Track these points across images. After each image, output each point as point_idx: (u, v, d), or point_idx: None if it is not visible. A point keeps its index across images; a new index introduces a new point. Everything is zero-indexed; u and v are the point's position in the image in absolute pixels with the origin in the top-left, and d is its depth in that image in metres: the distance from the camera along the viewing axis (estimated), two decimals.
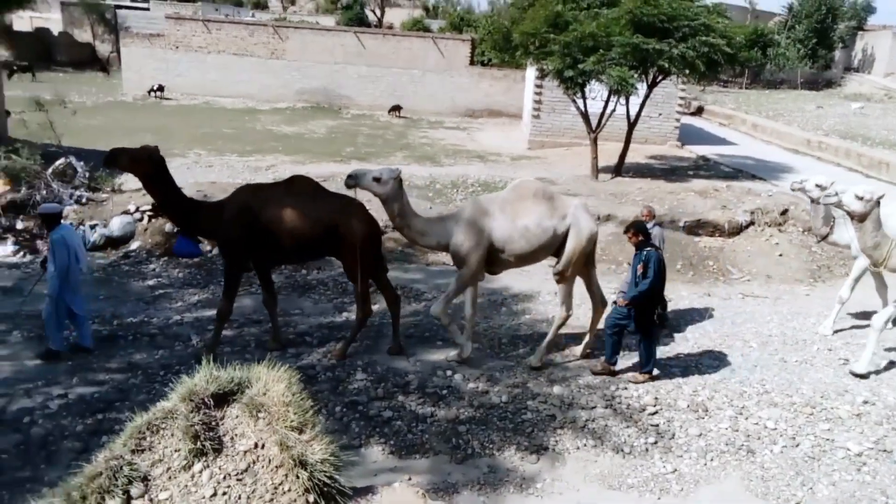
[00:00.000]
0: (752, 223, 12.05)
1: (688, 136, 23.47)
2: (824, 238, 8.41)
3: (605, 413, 6.35)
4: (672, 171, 18.12)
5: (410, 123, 27.66)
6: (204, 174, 15.36)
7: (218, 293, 9.52)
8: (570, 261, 7.07)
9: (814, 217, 8.45)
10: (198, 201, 8.13)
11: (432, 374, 7.04)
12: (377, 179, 6.61)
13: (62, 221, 7.61)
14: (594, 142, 16.95)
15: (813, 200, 7.99)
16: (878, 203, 6.80)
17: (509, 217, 6.95)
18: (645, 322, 6.88)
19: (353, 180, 6.68)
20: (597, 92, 16.79)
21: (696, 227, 11.94)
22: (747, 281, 10.71)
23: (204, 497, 2.70)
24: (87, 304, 7.91)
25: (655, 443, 5.94)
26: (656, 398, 6.62)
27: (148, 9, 45.40)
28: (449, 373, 7.07)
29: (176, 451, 2.83)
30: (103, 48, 43.76)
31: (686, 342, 8.16)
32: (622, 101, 16.58)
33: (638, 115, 17.33)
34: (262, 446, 2.86)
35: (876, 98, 35.57)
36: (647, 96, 17.10)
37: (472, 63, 31.17)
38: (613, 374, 7.12)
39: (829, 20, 45.71)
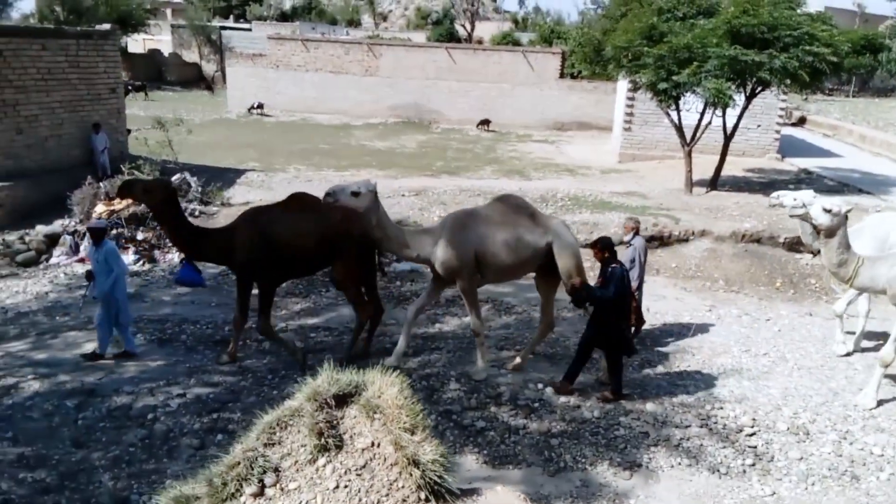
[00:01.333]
0: None
1: (788, 148, 22.59)
2: (818, 253, 7.93)
3: (700, 432, 6.30)
4: (771, 185, 17.48)
5: (499, 137, 27.92)
6: (303, 188, 16.07)
7: (319, 302, 10.06)
8: (570, 276, 7.11)
9: (802, 232, 8.11)
10: (206, 229, 8.44)
11: (524, 386, 7.18)
12: (355, 194, 6.69)
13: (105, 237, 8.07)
14: (688, 155, 16.62)
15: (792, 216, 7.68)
16: (845, 217, 6.53)
17: (490, 231, 7.04)
18: (609, 340, 6.84)
19: (332, 196, 6.72)
20: (691, 104, 16.48)
21: (798, 244, 11.53)
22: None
23: (328, 489, 2.97)
24: (130, 313, 8.29)
25: (753, 465, 5.86)
26: (754, 419, 6.51)
27: (250, 29, 47.83)
28: (540, 386, 7.19)
29: (302, 446, 3.12)
30: (209, 68, 46.46)
31: (785, 363, 7.95)
32: (718, 112, 16.21)
33: (735, 126, 16.87)
34: (378, 445, 3.11)
35: None
36: (745, 108, 16.64)
37: (561, 76, 31.14)
38: (571, 392, 7.09)
39: None
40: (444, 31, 53.21)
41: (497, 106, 30.67)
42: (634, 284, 7.84)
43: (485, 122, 29.62)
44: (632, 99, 21.25)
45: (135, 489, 5.65)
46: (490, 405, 6.78)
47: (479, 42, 52.06)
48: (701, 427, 6.38)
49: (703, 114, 16.25)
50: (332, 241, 7.30)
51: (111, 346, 8.03)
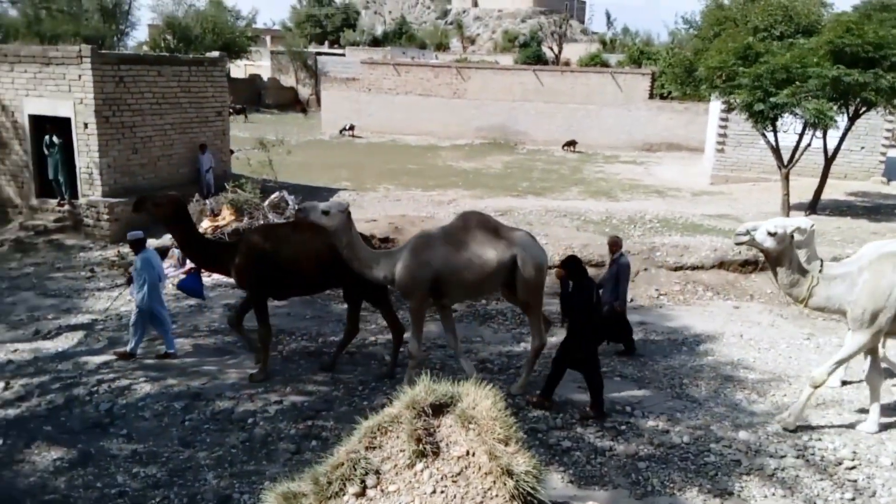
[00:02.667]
0: None
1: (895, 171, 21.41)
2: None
3: (795, 463, 6.10)
4: (876, 210, 16.67)
5: (585, 158, 27.76)
6: (393, 207, 16.57)
7: (406, 318, 10.31)
8: (525, 290, 7.10)
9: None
10: (212, 241, 8.86)
11: (611, 408, 7.15)
12: (325, 213, 6.77)
13: (146, 246, 8.64)
14: (786, 177, 16.06)
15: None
16: (792, 237, 6.31)
17: (453, 248, 6.98)
18: (579, 358, 6.91)
19: (303, 213, 6.87)
20: (789, 125, 15.95)
21: None
22: None
23: (425, 493, 3.13)
24: (168, 316, 8.88)
25: (853, 499, 5.62)
26: (854, 452, 6.24)
27: (344, 55, 49.67)
28: (628, 408, 7.15)
29: (401, 450, 3.29)
30: (304, 91, 48.50)
31: (891, 395, 7.55)
32: (818, 134, 15.62)
33: (837, 148, 16.21)
34: (473, 454, 3.24)
35: None
36: (847, 129, 15.97)
37: (651, 96, 30.71)
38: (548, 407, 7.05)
39: None
40: (532, 54, 53.44)
41: (584, 127, 30.56)
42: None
43: (571, 143, 29.55)
44: (725, 119, 20.75)
45: (237, 488, 5.99)
46: (576, 426, 6.80)
47: (567, 64, 52.01)
48: (797, 458, 6.17)
49: (801, 135, 15.70)
50: (340, 261, 7.30)
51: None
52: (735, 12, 17.77)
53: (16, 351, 8.71)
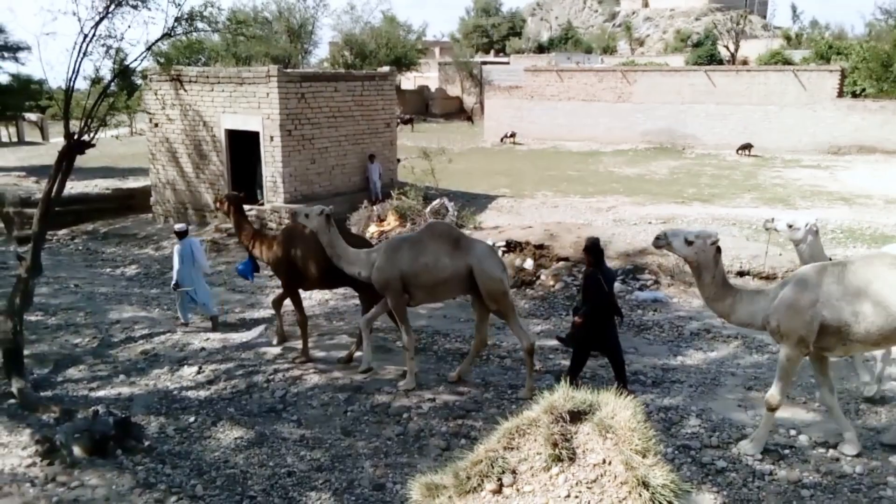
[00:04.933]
0: None
1: None
2: None
3: None
4: None
5: (761, 162, 25.97)
6: (550, 214, 16.59)
7: (559, 325, 10.35)
8: (489, 299, 7.70)
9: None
10: (262, 232, 10.15)
11: (773, 431, 6.72)
12: (307, 216, 8.03)
13: (188, 236, 10.53)
14: None
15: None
16: (717, 249, 6.08)
17: (415, 254, 7.72)
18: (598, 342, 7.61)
19: (295, 216, 8.23)
20: None
21: None
22: None
23: (559, 496, 3.21)
24: (206, 293, 10.51)
25: None
26: None
27: (508, 63, 50.27)
28: (793, 432, 6.69)
29: (538, 453, 3.40)
30: (469, 100, 49.73)
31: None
32: None
33: None
34: (609, 463, 3.27)
35: None
36: None
37: (840, 94, 28.08)
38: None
39: None
40: (705, 53, 50.80)
41: (760, 129, 28.60)
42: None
43: (746, 147, 27.77)
44: None
45: (390, 478, 6.38)
46: (733, 445, 6.47)
47: (744, 62, 48.89)
48: None
49: None
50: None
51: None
52: None
53: (208, 340, 9.84)
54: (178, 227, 10.70)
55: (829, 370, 6.38)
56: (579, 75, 33.32)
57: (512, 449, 3.54)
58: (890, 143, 25.81)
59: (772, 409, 6.21)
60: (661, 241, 6.25)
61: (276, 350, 9.33)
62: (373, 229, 13.77)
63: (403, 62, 44.57)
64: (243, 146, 16.13)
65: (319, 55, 47.49)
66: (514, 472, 3.42)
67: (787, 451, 6.34)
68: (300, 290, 9.29)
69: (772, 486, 5.85)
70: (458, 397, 7.86)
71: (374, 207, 14.65)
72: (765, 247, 9.90)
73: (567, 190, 20.49)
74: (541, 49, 66.65)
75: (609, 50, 67.29)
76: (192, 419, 7.48)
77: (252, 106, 15.51)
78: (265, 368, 8.73)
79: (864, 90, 27.31)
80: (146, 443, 6.93)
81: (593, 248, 7.62)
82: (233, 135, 16.22)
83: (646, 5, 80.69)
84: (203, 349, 9.47)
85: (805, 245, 7.08)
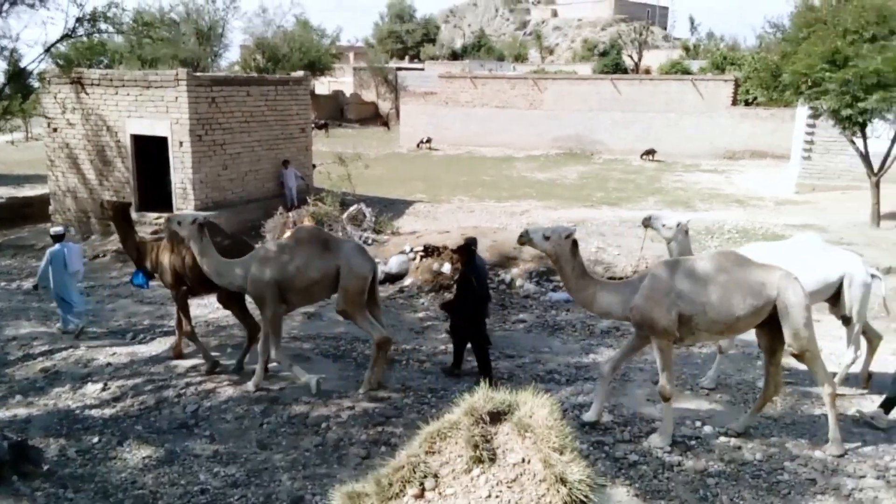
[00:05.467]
0: None
1: None
2: None
3: (875, 484, 5.86)
4: None
5: (664, 167, 27.21)
6: (466, 218, 16.79)
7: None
8: (343, 298, 7.88)
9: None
10: (145, 242, 9.57)
11: (680, 423, 7.05)
12: (179, 223, 7.94)
13: (64, 240, 10.31)
14: (876, 185, 15.31)
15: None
16: (574, 243, 6.58)
17: (286, 260, 7.81)
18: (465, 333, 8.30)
19: (169, 224, 8.15)
20: (881, 130, 15.21)
21: None
22: None
23: (481, 497, 3.26)
24: (79, 298, 10.39)
25: None
26: None
27: (423, 69, 50.53)
28: (698, 423, 7.04)
29: (459, 456, 3.44)
30: (384, 106, 49.62)
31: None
32: None
33: None
34: (529, 461, 3.35)
35: None
36: None
37: (734, 103, 29.83)
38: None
39: None
40: (611, 63, 52.76)
41: (662, 136, 29.97)
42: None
43: (649, 153, 29.02)
44: (812, 126, 19.96)
45: (309, 490, 6.27)
46: (643, 439, 6.75)
47: (647, 71, 51.10)
48: (878, 479, 5.92)
49: (894, 141, 14.94)
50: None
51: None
52: (825, 14, 17.12)
53: (114, 354, 9.38)
54: (55, 230, 10.46)
55: (632, 356, 7.11)
56: (492, 82, 33.91)
57: (433, 453, 3.57)
58: (780, 149, 27.57)
59: (667, 399, 6.59)
60: (524, 238, 6.74)
61: (188, 363, 9.00)
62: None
63: (317, 67, 44.01)
64: (151, 152, 15.51)
65: (230, 58, 46.30)
66: (435, 475, 3.44)
67: (693, 442, 6.66)
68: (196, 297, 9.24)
69: (680, 476, 6.13)
70: (378, 404, 7.83)
71: (290, 214, 14.40)
72: (641, 243, 10.68)
73: (482, 195, 20.79)
74: (455, 56, 67.44)
75: (520, 58, 68.78)
76: (95, 439, 7.11)
77: (160, 110, 14.93)
78: (176, 383, 8.41)
79: (755, 99, 29.03)
80: (45, 467, 6.54)
81: (465, 249, 8.41)
82: (139, 140, 15.56)
83: (555, 15, 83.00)
84: (109, 364, 9.03)
85: (675, 243, 7.65)
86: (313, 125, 36.60)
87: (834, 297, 7.64)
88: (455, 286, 8.65)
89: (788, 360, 7.83)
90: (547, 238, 6.58)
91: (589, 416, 6.99)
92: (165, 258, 8.87)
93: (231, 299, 8.89)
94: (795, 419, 7.16)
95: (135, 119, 15.34)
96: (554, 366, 8.83)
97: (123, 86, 15.32)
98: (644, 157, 29.02)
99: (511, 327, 10.39)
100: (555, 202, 19.55)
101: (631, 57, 57.40)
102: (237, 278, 7.98)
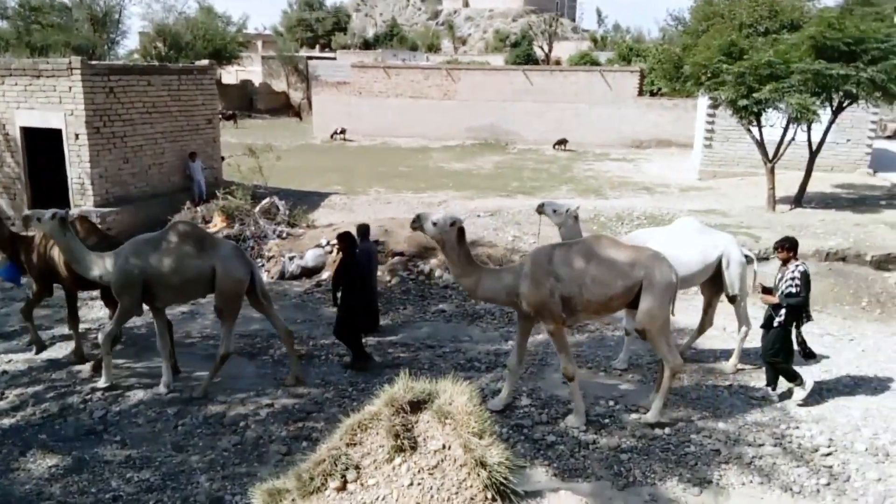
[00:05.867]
0: None
1: (882, 162, 21.65)
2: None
3: (773, 451, 6.27)
4: (861, 202, 16.87)
5: (576, 156, 27.95)
6: (383, 210, 16.71)
7: (397, 320, 10.48)
8: (219, 299, 7.78)
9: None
10: (21, 235, 9.31)
11: (595, 402, 7.31)
12: (39, 220, 7.69)
13: None
14: (771, 171, 16.26)
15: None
16: (460, 230, 6.79)
17: (158, 255, 7.67)
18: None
19: (26, 220, 7.89)
20: (774, 119, 16.16)
21: (886, 262, 11.15)
22: None
23: (403, 485, 3.28)
24: None
25: (828, 484, 5.79)
26: (831, 439, 6.41)
27: (335, 58, 49.77)
28: (612, 403, 7.31)
29: (380, 446, 3.46)
30: (296, 96, 48.61)
31: (867, 383, 7.74)
32: (803, 128, 15.82)
33: (821, 141, 16.40)
34: (449, 447, 3.40)
35: None
36: (831, 122, 16.17)
37: (640, 94, 30.94)
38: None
39: None
40: (522, 53, 53.64)
41: (574, 126, 30.76)
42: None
43: (561, 142, 29.73)
44: (712, 115, 20.96)
45: (228, 490, 6.13)
46: (560, 420, 6.95)
47: (558, 62, 52.26)
48: (775, 446, 6.34)
49: (786, 129, 15.90)
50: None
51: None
52: (723, 8, 17.98)
53: (10, 361, 8.84)
54: None
55: (526, 341, 7.29)
56: (406, 72, 33.81)
57: (355, 445, 3.57)
58: (683, 137, 28.86)
59: (571, 379, 6.85)
60: (416, 223, 6.93)
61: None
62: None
63: (223, 55, 42.63)
64: (44, 146, 14.61)
65: (129, 46, 44.19)
66: (357, 467, 3.45)
67: (607, 421, 6.93)
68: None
69: (595, 454, 6.37)
70: (298, 400, 7.72)
71: (199, 209, 13.90)
72: (537, 228, 11.15)
73: (399, 186, 20.75)
74: (367, 45, 66.76)
75: (434, 48, 68.86)
76: None
77: (52, 101, 14.06)
78: (81, 388, 8.00)
79: (660, 89, 30.21)
80: None
81: (344, 237, 8.72)
82: (31, 133, 14.62)
83: (466, 5, 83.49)
84: (5, 372, 8.50)
85: (565, 228, 8.02)
86: (221, 116, 35.52)
87: (712, 278, 8.09)
88: (335, 276, 8.80)
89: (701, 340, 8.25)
90: (434, 225, 6.77)
91: (494, 404, 7.15)
92: (34, 254, 8.59)
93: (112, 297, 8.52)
94: (700, 394, 7.55)
95: (24, 111, 14.38)
96: (474, 354, 8.95)
97: (10, 75, 14.33)
98: (557, 146, 29.71)
99: (431, 318, 10.44)
100: (472, 192, 19.74)
101: (542, 48, 58.52)
102: (105, 272, 7.74)
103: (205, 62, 18.50)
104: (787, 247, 7.18)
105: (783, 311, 7.04)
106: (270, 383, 8.16)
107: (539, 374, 8.20)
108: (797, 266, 7.05)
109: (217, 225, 13.16)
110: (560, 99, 31.20)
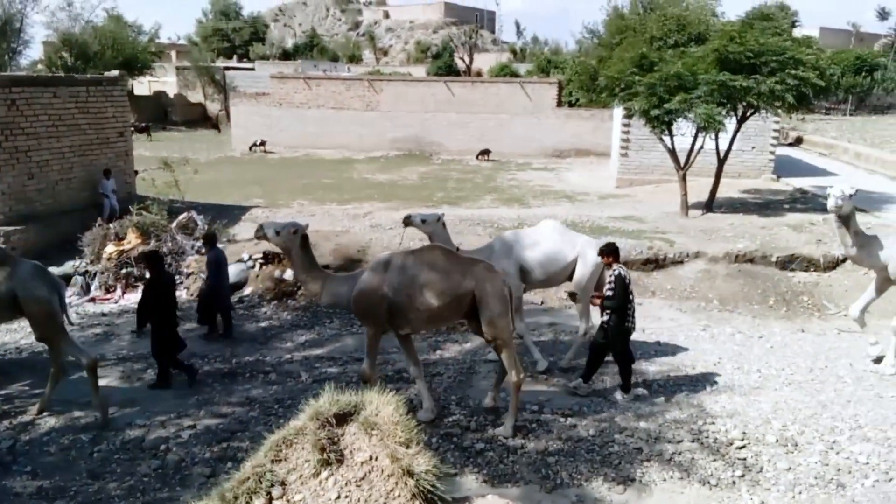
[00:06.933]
0: None
1: (784, 168, 22.93)
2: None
3: (691, 447, 6.53)
4: (766, 206, 17.82)
5: (499, 166, 28.38)
6: (307, 222, 16.44)
7: (324, 334, 10.35)
8: (32, 325, 7.54)
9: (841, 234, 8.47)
10: None
11: (522, 408, 7.42)
12: None
13: None
14: (683, 178, 16.98)
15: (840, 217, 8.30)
16: (304, 238, 7.03)
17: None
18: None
19: None
20: (685, 129, 16.89)
21: (790, 262, 11.83)
22: (844, 316, 10.50)
23: (330, 499, 3.24)
24: None
25: (742, 476, 6.07)
26: (744, 433, 6.73)
27: (254, 69, 48.86)
28: (537, 408, 7.44)
29: (306, 461, 3.41)
30: (213, 107, 47.38)
31: (776, 378, 8.17)
32: (711, 136, 16.60)
33: (728, 149, 17.25)
34: (376, 458, 3.39)
35: None
36: (736, 131, 17.03)
37: (559, 104, 31.73)
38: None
39: None
40: (444, 65, 54.21)
41: (496, 136, 31.22)
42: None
43: (484, 153, 30.13)
44: (627, 125, 21.70)
45: None
46: (489, 427, 7.02)
47: (478, 74, 53.02)
48: (693, 442, 6.61)
49: (695, 138, 16.65)
50: None
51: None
52: (634, 22, 18.68)
53: None
54: None
55: (413, 349, 7.41)
56: (327, 83, 33.52)
57: (280, 461, 3.50)
58: (601, 147, 29.75)
59: (365, 381, 7.01)
60: (259, 233, 7.10)
61: None
62: (111, 249, 12.53)
63: (135, 65, 41.15)
64: None
65: (32, 56, 42.05)
66: (283, 483, 3.39)
67: (534, 426, 7.04)
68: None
69: (523, 458, 6.46)
70: (221, 420, 7.50)
71: (111, 225, 13.32)
72: (399, 239, 11.47)
73: (323, 198, 20.51)
74: (286, 56, 65.90)
75: (355, 59, 68.63)
76: None
77: None
78: None
79: (577, 100, 31.09)
80: None
81: (149, 256, 8.80)
82: None
83: (387, 16, 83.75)
84: None
85: (436, 236, 8.25)
86: (133, 128, 34.29)
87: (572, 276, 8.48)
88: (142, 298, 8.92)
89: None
90: (278, 233, 6.96)
91: (423, 415, 7.11)
92: None
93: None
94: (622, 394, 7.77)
95: None
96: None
97: None
98: (480, 157, 30.08)
99: (358, 330, 10.35)
100: (397, 203, 19.71)
101: (463, 59, 59.28)
102: None
103: (115, 73, 17.81)
104: (607, 252, 7.59)
105: (607, 312, 7.44)
106: (192, 404, 7.90)
107: (467, 383, 8.27)
108: (614, 271, 7.43)
109: (131, 242, 12.65)
110: (482, 110, 31.65)
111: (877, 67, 43.27)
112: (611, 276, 7.45)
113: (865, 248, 8.24)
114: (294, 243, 7.00)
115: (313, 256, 7.25)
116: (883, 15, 52.80)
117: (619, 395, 7.69)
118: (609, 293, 7.38)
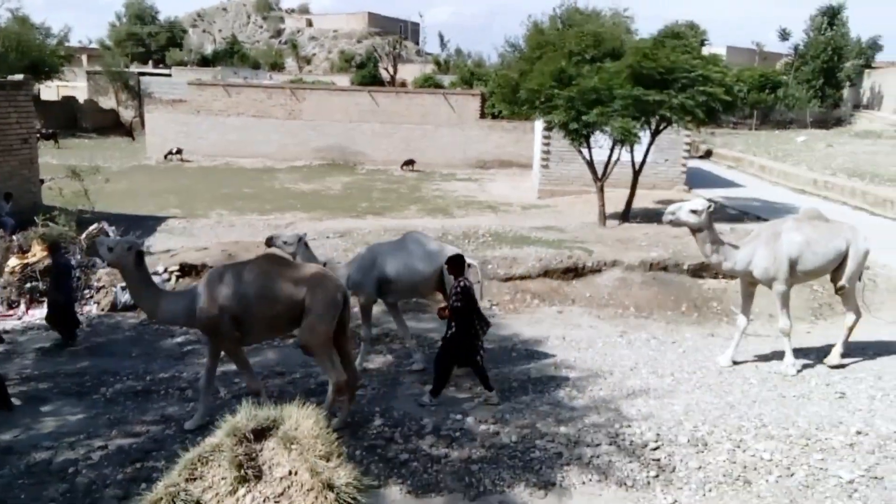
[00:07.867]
0: None
1: (695, 179, 24.03)
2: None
3: (609, 449, 6.72)
4: None
5: (423, 177, 28.52)
6: (226, 233, 16.08)
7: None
8: None
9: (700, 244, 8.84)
10: None
11: (446, 417, 7.46)
12: None
13: None
14: (601, 189, 17.54)
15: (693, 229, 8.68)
16: (138, 254, 7.06)
17: None
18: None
19: None
20: (603, 141, 17.46)
21: (700, 270, 12.37)
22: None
23: None
24: None
25: (657, 476, 6.30)
26: (658, 434, 6.99)
27: (170, 75, 47.35)
28: (460, 416, 7.50)
29: (223, 478, 3.32)
30: (127, 114, 45.62)
31: (688, 381, 8.53)
32: (627, 149, 17.22)
33: (643, 161, 17.95)
34: (296, 473, 3.34)
35: (887, 134, 36.09)
36: (650, 143, 17.75)
37: (482, 116, 32.19)
38: None
39: (835, 59, 46.68)
40: (368, 75, 54.09)
41: (421, 146, 31.38)
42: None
43: (409, 163, 30.23)
44: (548, 137, 22.26)
45: None
46: (413, 437, 7.02)
47: (403, 84, 53.14)
48: (610, 444, 6.80)
49: (612, 150, 17.24)
50: None
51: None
52: (553, 37, 19.20)
53: None
54: None
55: (216, 364, 7.46)
56: (248, 91, 32.88)
57: (195, 479, 3.41)
58: (523, 158, 30.36)
59: (256, 394, 7.02)
60: (91, 251, 7.29)
61: None
62: (14, 262, 11.85)
63: (42, 69, 39.13)
64: None
65: None
66: (198, 502, 3.30)
67: (458, 434, 7.09)
68: None
69: (447, 467, 6.49)
70: (135, 439, 7.20)
71: (14, 237, 12.60)
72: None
73: (243, 208, 20.08)
74: (205, 62, 64.23)
75: (277, 66, 67.57)
76: None
77: None
78: None
79: (500, 112, 31.63)
80: None
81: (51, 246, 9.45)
82: None
83: (310, 25, 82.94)
84: None
85: (300, 255, 8.32)
86: (39, 135, 32.59)
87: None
88: None
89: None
90: (111, 250, 6.88)
91: (189, 424, 7.27)
92: None
93: None
94: (543, 401, 7.94)
95: None
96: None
97: None
98: (404, 167, 30.15)
99: (280, 343, 10.17)
100: (321, 213, 19.52)
101: (387, 70, 59.29)
102: None
103: (18, 76, 16.92)
104: (449, 266, 7.86)
105: (454, 322, 7.62)
106: (103, 423, 7.55)
107: (391, 394, 8.24)
108: (460, 282, 7.66)
109: (36, 254, 12.01)
110: (407, 120, 31.74)
111: (779, 85, 46.10)
112: (456, 286, 7.61)
113: (722, 255, 8.68)
114: (128, 261, 6.89)
115: (148, 274, 7.24)
116: (784, 35, 56.31)
117: (427, 398, 7.87)
118: (458, 304, 7.51)
